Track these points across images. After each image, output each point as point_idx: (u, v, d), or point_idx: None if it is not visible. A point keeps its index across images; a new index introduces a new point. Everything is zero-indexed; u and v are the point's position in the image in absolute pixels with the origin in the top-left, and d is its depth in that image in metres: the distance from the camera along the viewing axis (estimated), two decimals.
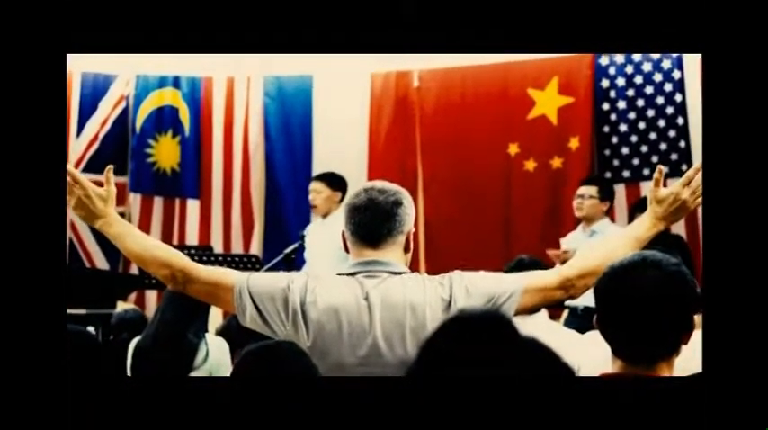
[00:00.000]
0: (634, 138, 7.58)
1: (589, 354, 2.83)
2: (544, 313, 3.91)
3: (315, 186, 7.14)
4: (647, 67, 7.54)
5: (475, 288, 2.76)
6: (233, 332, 4.49)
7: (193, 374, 4.28)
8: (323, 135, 8.46)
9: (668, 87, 7.47)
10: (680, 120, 7.43)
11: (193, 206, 8.70)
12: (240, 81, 8.61)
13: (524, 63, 7.77)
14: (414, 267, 2.95)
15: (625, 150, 7.61)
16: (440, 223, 7.97)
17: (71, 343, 2.76)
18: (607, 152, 7.68)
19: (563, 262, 5.11)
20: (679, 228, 6.93)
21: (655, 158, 7.36)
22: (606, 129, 7.68)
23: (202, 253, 6.94)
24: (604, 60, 7.67)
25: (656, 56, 7.49)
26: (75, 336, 2.94)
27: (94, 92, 8.64)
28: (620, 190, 7.43)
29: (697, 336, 2.39)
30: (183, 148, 8.68)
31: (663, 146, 7.48)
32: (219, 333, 4.86)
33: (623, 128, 7.62)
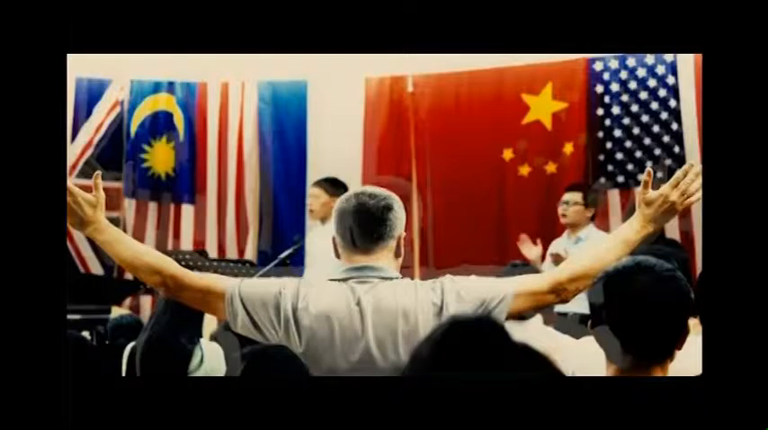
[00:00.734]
0: (629, 144, 7.59)
1: (583, 360, 2.83)
2: (539, 318, 3.91)
3: (313, 191, 7.14)
4: (641, 72, 7.55)
5: (466, 292, 2.76)
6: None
7: None
8: (317, 140, 8.46)
9: (662, 93, 7.47)
10: (674, 126, 7.43)
11: (188, 211, 8.69)
12: (235, 86, 8.61)
13: (519, 68, 7.78)
14: (407, 272, 2.95)
15: (620, 155, 7.61)
16: (434, 228, 7.96)
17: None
18: (602, 157, 7.68)
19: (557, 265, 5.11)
20: (673, 233, 6.94)
21: (649, 164, 7.36)
22: (601, 134, 7.68)
23: (197, 258, 6.93)
24: (599, 66, 7.67)
25: (650, 61, 7.49)
26: (69, 342, 2.93)
27: (89, 97, 8.63)
28: (614, 195, 7.44)
29: (692, 340, 2.39)
30: (178, 154, 8.67)
31: (657, 151, 7.48)
32: (214, 338, 4.85)
33: (618, 133, 7.62)
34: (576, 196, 6.78)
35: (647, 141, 7.53)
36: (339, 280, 2.80)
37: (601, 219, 7.12)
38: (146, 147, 8.69)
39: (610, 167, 7.63)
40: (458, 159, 7.97)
